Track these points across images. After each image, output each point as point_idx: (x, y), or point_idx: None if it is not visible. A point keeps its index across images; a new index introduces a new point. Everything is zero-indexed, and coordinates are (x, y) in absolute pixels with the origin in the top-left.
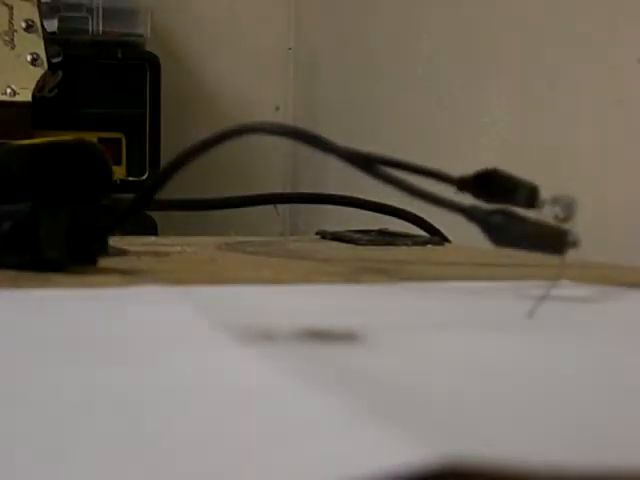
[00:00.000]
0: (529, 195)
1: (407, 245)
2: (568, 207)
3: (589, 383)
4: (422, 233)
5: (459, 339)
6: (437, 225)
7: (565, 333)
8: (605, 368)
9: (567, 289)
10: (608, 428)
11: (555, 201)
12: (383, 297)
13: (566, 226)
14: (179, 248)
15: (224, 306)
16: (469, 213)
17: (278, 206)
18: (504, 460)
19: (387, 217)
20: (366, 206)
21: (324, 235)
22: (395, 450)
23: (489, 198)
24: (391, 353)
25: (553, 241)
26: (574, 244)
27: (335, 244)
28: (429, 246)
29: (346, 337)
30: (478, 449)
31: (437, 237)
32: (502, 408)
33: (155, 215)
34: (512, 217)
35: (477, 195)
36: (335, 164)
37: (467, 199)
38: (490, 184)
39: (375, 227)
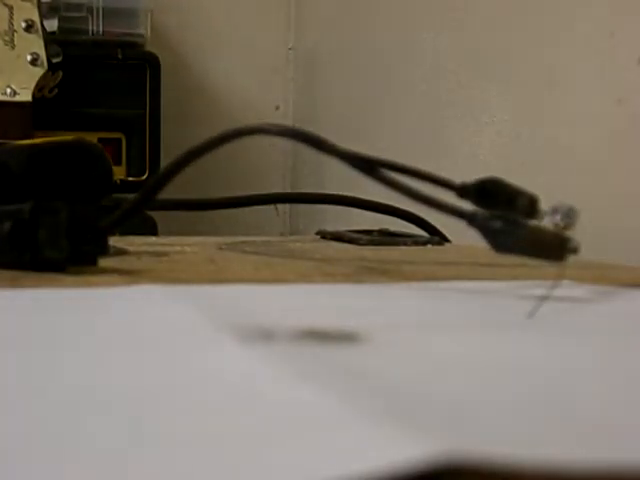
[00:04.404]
0: (529, 204)
1: (407, 245)
2: (568, 215)
3: (589, 382)
4: (422, 233)
5: (460, 339)
6: (437, 225)
7: (565, 333)
8: (605, 368)
9: (567, 289)
10: (608, 426)
11: (555, 210)
12: (383, 297)
13: (566, 233)
14: (179, 248)
15: (224, 306)
16: (470, 218)
17: (278, 206)
18: (504, 457)
19: (387, 217)
20: (366, 206)
21: (324, 235)
22: (397, 447)
23: (489, 206)
24: (391, 353)
25: (553, 247)
26: (574, 251)
27: (335, 244)
28: (429, 246)
29: (346, 337)
30: (479, 446)
31: (437, 237)
32: (502, 407)
33: (155, 215)
34: (512, 223)
35: (477, 203)
36: (335, 164)
37: (467, 205)
38: (491, 192)
39: (375, 227)
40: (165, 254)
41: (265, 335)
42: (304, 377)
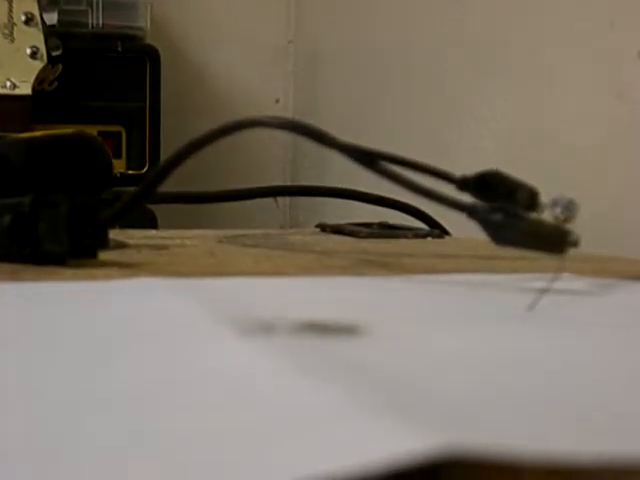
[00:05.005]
0: (529, 197)
1: (407, 238)
2: (568, 208)
3: (589, 375)
4: (422, 226)
5: (460, 332)
6: (437, 218)
7: (566, 326)
8: (605, 360)
9: (567, 282)
10: (609, 419)
11: (555, 203)
12: (383, 290)
13: (566, 226)
14: (179, 241)
15: (224, 299)
16: (470, 211)
17: (278, 199)
18: (505, 451)
19: (387, 210)
20: (366, 199)
21: (324, 228)
22: (397, 440)
23: (489, 199)
24: (391, 346)
25: (554, 240)
26: (574, 243)
27: (335, 237)
28: (429, 239)
29: (346, 330)
30: (479, 440)
31: (437, 230)
32: (503, 400)
33: (155, 208)
34: (513, 216)
35: (477, 195)
36: (335, 157)
37: (467, 198)
38: (491, 185)
39: (375, 220)
40: (165, 247)
41: (265, 328)
42: (304, 370)
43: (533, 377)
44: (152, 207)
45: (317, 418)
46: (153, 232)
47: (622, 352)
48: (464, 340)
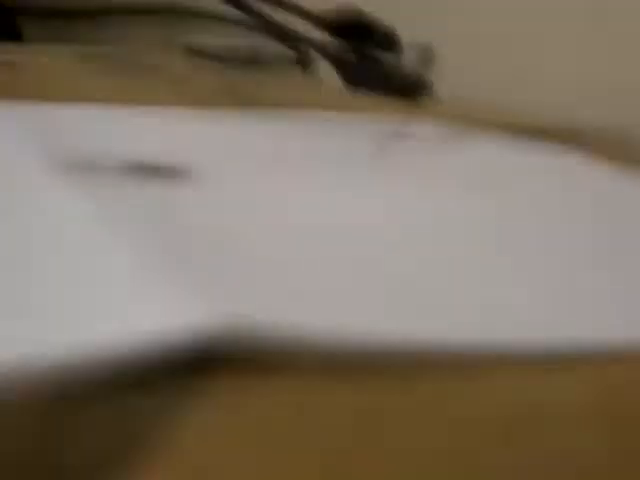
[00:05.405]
0: (388, 38)
1: (271, 64)
2: (426, 53)
3: (412, 239)
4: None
5: (290, 180)
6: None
7: (407, 175)
8: (441, 216)
9: (417, 128)
10: (417, 297)
11: (413, 47)
12: (224, 127)
13: (423, 72)
14: (32, 59)
15: (50, 130)
16: (323, 50)
17: (148, 16)
18: (293, 330)
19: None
20: (238, 22)
21: (190, 50)
22: (178, 308)
23: (348, 38)
24: (210, 194)
25: (407, 85)
26: (427, 89)
27: (199, 61)
28: (290, 68)
29: (176, 173)
30: (265, 317)
31: (302, 56)
32: (313, 272)
33: (21, 22)
34: (366, 57)
35: (337, 34)
36: None
37: (326, 37)
38: (351, 25)
39: (245, 45)
40: (12, 64)
41: (87, 166)
42: (113, 218)
43: (351, 240)
44: (18, 21)
45: (106, 279)
46: (10, 46)
47: (461, 207)
48: (292, 190)
